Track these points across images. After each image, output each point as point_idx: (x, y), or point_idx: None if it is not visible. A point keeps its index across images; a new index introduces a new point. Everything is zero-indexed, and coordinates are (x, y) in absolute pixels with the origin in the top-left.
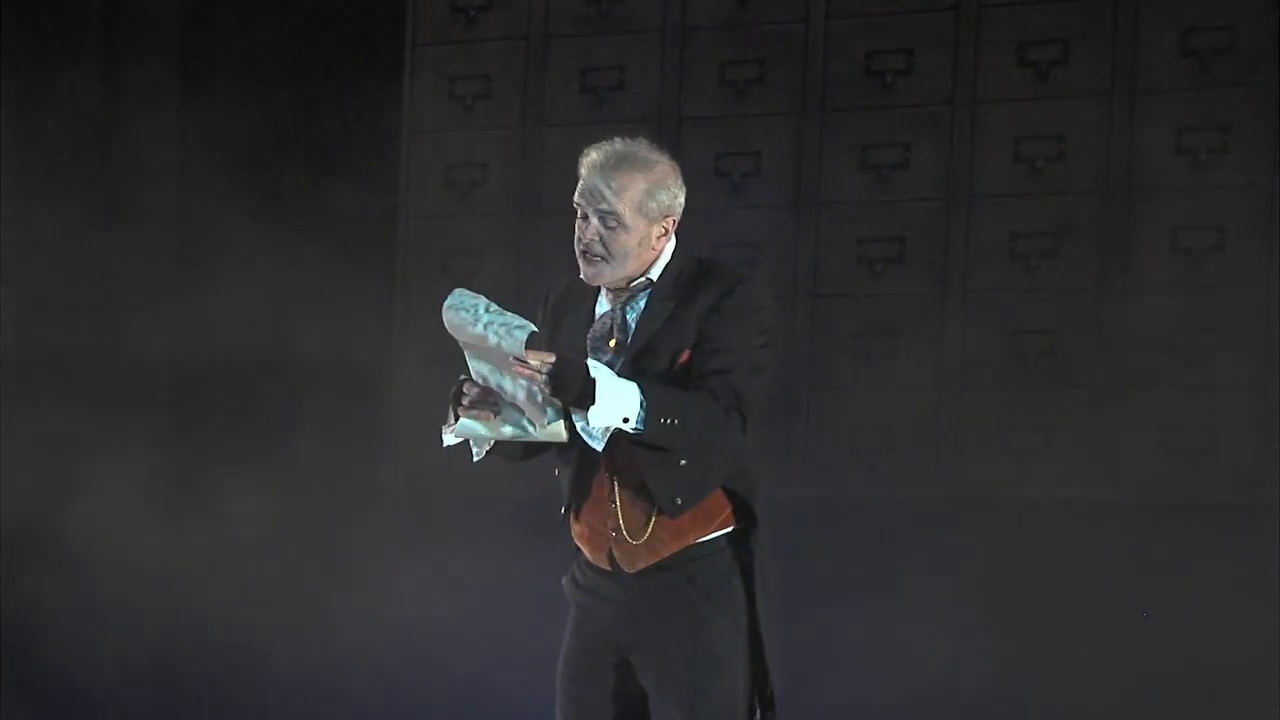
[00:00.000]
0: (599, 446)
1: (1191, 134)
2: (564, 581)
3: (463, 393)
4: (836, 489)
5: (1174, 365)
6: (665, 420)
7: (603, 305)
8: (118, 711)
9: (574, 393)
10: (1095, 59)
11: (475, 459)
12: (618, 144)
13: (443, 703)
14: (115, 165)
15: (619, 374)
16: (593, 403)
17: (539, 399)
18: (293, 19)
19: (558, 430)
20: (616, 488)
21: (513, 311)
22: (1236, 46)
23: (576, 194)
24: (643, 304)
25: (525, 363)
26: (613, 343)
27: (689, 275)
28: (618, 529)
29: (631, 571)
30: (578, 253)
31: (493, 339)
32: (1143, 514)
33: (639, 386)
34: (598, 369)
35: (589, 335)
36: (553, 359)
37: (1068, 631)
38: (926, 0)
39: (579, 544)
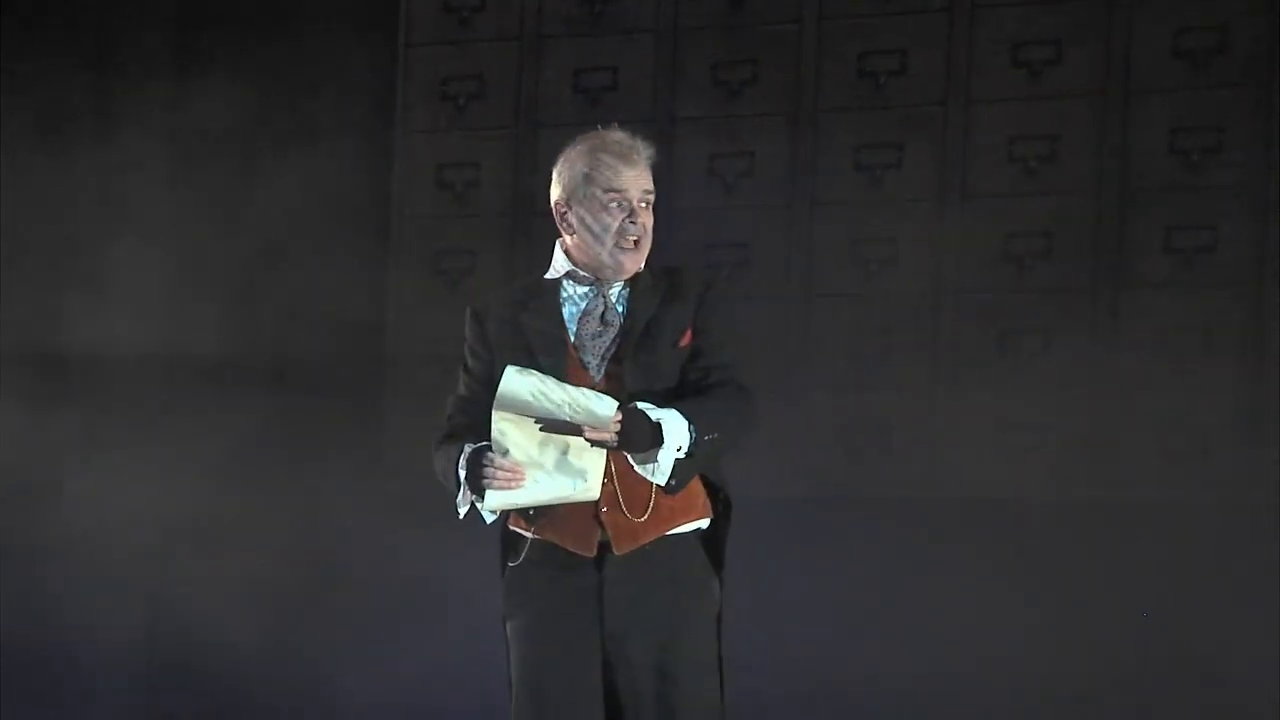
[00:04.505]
0: (662, 481)
1: (1185, 134)
2: (504, 598)
3: (484, 464)
4: (831, 489)
5: (1168, 365)
6: (708, 437)
7: (576, 299)
8: (112, 709)
9: (646, 442)
10: (1088, 59)
11: (489, 521)
12: (613, 133)
13: (439, 704)
14: (109, 163)
15: (623, 358)
16: (662, 444)
17: (570, 462)
18: (285, 18)
19: (593, 489)
20: (613, 468)
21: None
22: (1229, 47)
23: (617, 184)
24: (627, 291)
25: (597, 429)
26: (607, 332)
27: (659, 269)
28: (613, 506)
29: (623, 552)
30: (624, 246)
31: (568, 413)
32: (1138, 514)
33: (679, 411)
34: (653, 410)
35: (579, 328)
36: (619, 418)
37: (1065, 633)
38: (920, 1)
39: (550, 537)
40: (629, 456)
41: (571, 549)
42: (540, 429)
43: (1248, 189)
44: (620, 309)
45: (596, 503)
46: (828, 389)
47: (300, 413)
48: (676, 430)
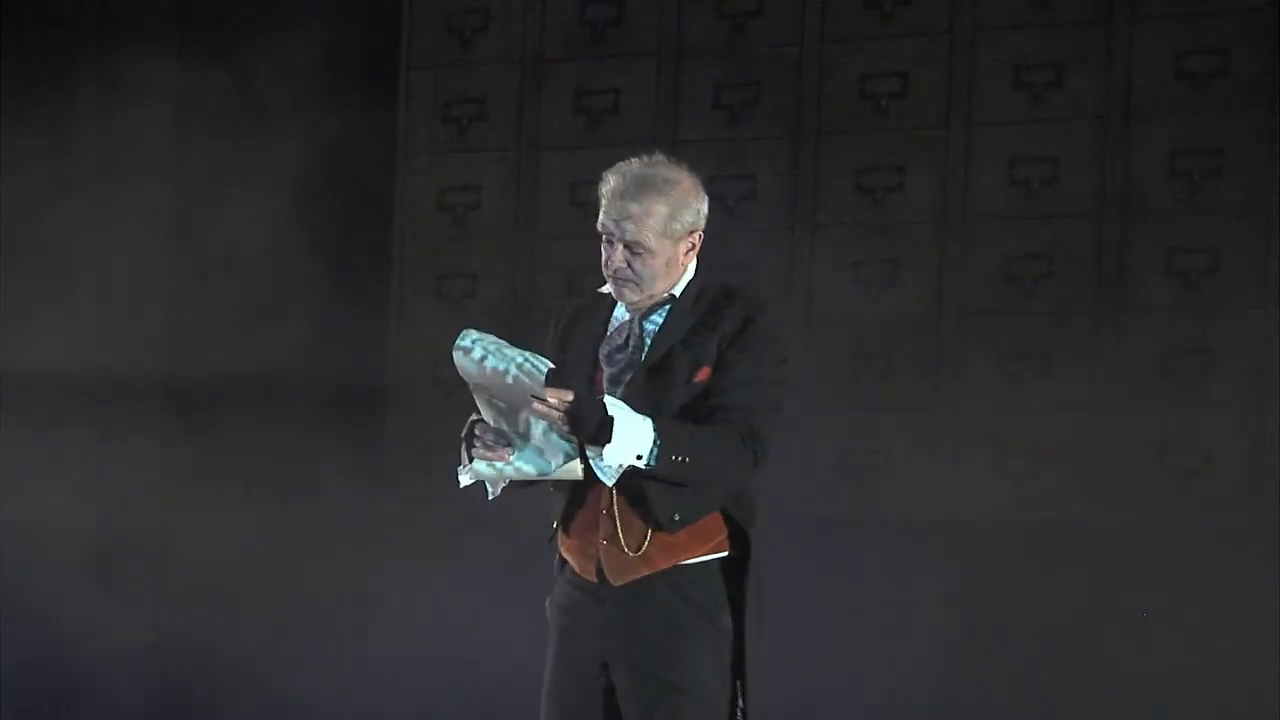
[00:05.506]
0: (610, 481)
1: (1186, 157)
2: (546, 604)
3: (475, 434)
4: (830, 509)
5: (1169, 386)
6: (677, 458)
7: (618, 317)
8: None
9: (591, 430)
10: (1090, 81)
11: (490, 498)
12: (635, 167)
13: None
14: (112, 182)
15: (635, 384)
16: (609, 440)
17: (554, 437)
18: (288, 41)
19: (574, 468)
20: (614, 498)
21: (512, 341)
22: (1230, 69)
23: (600, 220)
24: (661, 317)
25: (544, 400)
26: (628, 353)
27: (711, 295)
28: (610, 538)
29: (618, 584)
30: (607, 275)
31: (511, 378)
32: (1140, 534)
33: (653, 423)
34: (615, 406)
35: (603, 347)
36: (570, 396)
37: (1065, 651)
38: (921, 23)
39: (566, 556)
40: (588, 451)
41: (579, 571)
42: (476, 394)
43: (1249, 211)
44: (650, 330)
45: (596, 532)
46: (828, 410)
47: (302, 435)
48: (635, 434)
